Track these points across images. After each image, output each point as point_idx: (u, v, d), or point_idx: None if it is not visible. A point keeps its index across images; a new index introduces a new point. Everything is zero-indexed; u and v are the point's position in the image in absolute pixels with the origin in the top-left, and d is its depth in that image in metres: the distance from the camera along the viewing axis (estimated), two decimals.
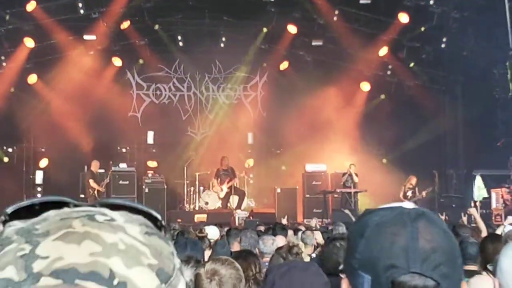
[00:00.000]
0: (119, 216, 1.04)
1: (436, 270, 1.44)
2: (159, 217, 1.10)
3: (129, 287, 0.96)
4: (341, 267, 1.60)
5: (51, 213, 1.03)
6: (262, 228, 12.74)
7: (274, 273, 3.34)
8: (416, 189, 21.56)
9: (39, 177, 23.07)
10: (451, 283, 1.46)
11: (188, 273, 4.36)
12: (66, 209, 1.05)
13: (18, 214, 1.05)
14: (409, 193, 21.55)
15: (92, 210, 1.05)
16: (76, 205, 1.08)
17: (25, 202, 1.07)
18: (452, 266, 1.47)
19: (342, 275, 1.59)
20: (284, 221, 15.29)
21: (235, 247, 8.64)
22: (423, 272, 1.43)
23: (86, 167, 22.49)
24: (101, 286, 0.94)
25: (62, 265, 0.94)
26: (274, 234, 9.25)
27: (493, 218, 19.73)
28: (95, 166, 21.51)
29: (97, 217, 1.02)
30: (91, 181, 21.15)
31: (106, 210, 1.05)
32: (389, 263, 1.45)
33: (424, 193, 21.56)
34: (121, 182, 21.65)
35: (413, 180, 21.56)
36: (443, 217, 13.47)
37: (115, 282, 0.95)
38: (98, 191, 20.97)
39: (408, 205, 1.56)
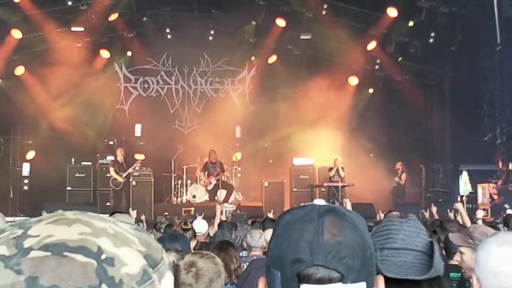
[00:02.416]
0: (109, 217, 1.10)
1: (341, 263, 1.46)
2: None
3: (116, 262, 1.00)
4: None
5: (45, 214, 1.10)
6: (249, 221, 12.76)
7: (253, 265, 3.36)
8: (404, 174, 21.79)
9: (26, 169, 22.98)
10: (358, 275, 1.48)
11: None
12: (60, 210, 1.10)
13: None
14: (396, 178, 21.80)
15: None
16: None
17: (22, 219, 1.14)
18: (359, 259, 1.49)
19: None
20: (271, 215, 15.30)
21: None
22: (327, 264, 1.45)
23: (73, 160, 22.45)
24: (89, 258, 0.98)
25: (52, 240, 0.99)
26: (264, 228, 9.25)
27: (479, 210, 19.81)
28: (119, 154, 21.46)
29: (89, 212, 1.08)
30: (111, 170, 21.18)
31: None
32: (294, 258, 1.47)
33: (400, 180, 21.73)
34: (108, 175, 21.55)
35: (399, 166, 21.85)
36: (435, 210, 13.51)
37: (103, 256, 0.99)
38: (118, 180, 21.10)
39: (320, 202, 1.57)
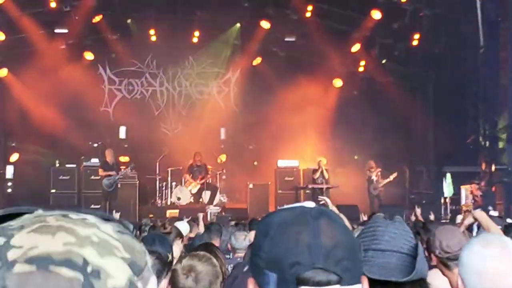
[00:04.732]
0: (91, 217, 1.07)
1: (339, 265, 1.49)
2: (130, 226, 1.12)
3: (102, 275, 0.97)
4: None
5: (26, 215, 1.05)
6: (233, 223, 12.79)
7: (238, 269, 3.36)
8: (379, 172, 21.70)
9: (9, 172, 22.86)
10: (352, 276, 1.51)
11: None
12: (40, 211, 1.07)
13: None
14: (374, 177, 21.66)
15: (66, 211, 1.06)
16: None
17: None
18: (353, 260, 1.53)
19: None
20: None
21: (216, 242, 8.65)
22: (326, 267, 1.48)
23: (57, 162, 22.36)
24: (75, 272, 0.96)
25: (37, 253, 0.96)
26: (250, 229, 9.28)
27: (462, 214, 19.90)
28: (108, 155, 20.94)
29: (70, 215, 1.04)
30: (100, 171, 20.77)
31: (79, 213, 1.07)
32: (293, 261, 1.49)
33: (391, 177, 21.70)
34: (92, 177, 21.42)
35: (372, 163, 21.78)
36: (419, 211, 13.60)
37: (89, 269, 0.97)
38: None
39: (309, 204, 1.60)
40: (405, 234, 2.61)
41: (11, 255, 0.96)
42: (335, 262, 1.49)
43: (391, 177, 21.72)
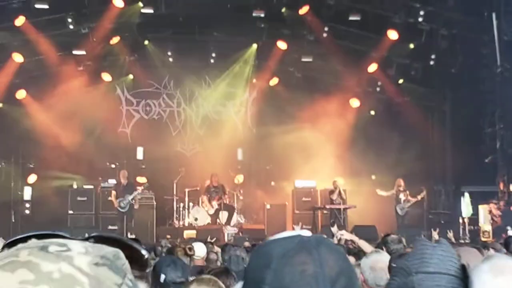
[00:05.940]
0: (79, 247, 1.06)
1: None
2: (145, 255, 1.11)
3: None
4: None
5: (19, 245, 1.07)
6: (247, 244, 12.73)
7: None
8: (407, 192, 21.48)
9: (27, 193, 22.92)
10: None
11: None
12: (33, 241, 1.08)
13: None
14: (401, 196, 21.40)
15: (52, 241, 1.06)
16: (65, 237, 1.11)
17: (20, 236, 1.11)
18: None
19: None
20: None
21: None
22: None
23: (75, 183, 22.43)
24: None
25: None
26: None
27: (481, 234, 19.75)
28: (123, 177, 20.70)
29: (49, 248, 1.04)
30: (112, 193, 20.58)
31: (69, 241, 1.07)
32: None
33: (419, 197, 21.49)
34: (109, 198, 21.36)
35: (401, 182, 21.56)
36: (436, 234, 13.51)
37: None
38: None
39: (306, 232, 1.59)
40: (451, 256, 2.62)
41: None
42: None
43: (419, 197, 21.54)
